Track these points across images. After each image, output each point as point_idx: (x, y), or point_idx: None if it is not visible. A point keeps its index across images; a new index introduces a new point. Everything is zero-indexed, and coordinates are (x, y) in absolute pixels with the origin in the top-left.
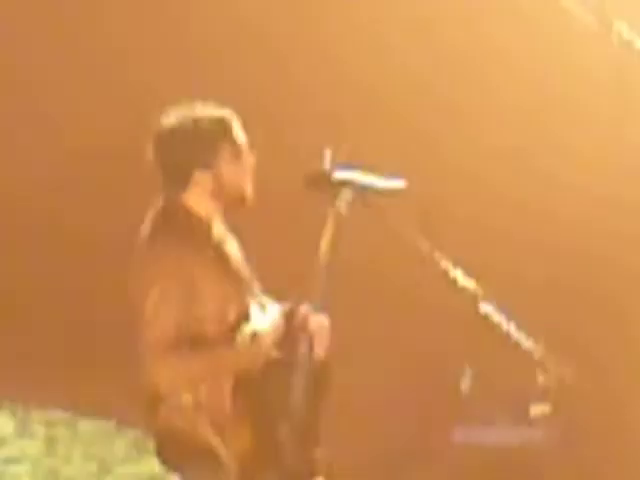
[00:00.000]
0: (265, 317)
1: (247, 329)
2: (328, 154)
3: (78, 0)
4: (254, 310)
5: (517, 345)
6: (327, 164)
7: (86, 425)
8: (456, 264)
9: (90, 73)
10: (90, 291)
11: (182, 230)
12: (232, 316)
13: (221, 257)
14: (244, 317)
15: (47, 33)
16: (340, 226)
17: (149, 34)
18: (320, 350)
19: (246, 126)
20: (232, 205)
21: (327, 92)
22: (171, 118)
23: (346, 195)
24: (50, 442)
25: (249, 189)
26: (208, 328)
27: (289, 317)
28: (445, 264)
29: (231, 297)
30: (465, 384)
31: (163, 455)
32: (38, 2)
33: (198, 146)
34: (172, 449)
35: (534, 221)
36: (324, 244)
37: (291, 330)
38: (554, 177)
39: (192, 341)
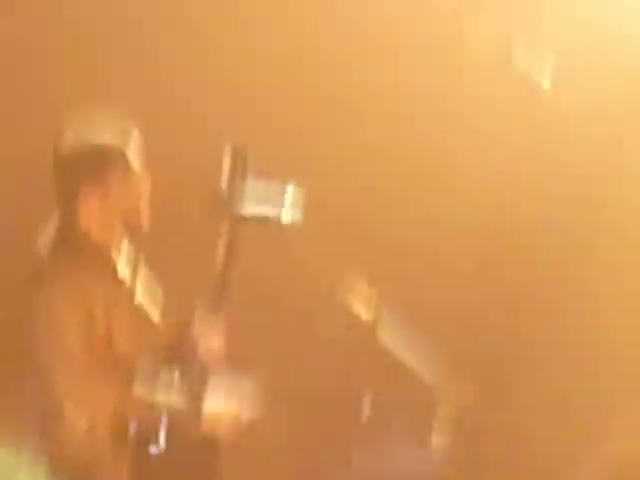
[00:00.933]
0: None
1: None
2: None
3: None
4: None
5: (416, 375)
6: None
7: None
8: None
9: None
10: None
11: (81, 258)
12: (139, 339)
13: (121, 284)
14: (150, 338)
15: None
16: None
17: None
18: (206, 350)
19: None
20: (128, 229)
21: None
22: (71, 134)
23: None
24: None
25: (143, 215)
26: (120, 350)
27: (173, 333)
28: (345, 291)
29: (135, 322)
30: (365, 411)
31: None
32: None
33: (88, 164)
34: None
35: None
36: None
37: (176, 343)
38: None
39: (115, 368)
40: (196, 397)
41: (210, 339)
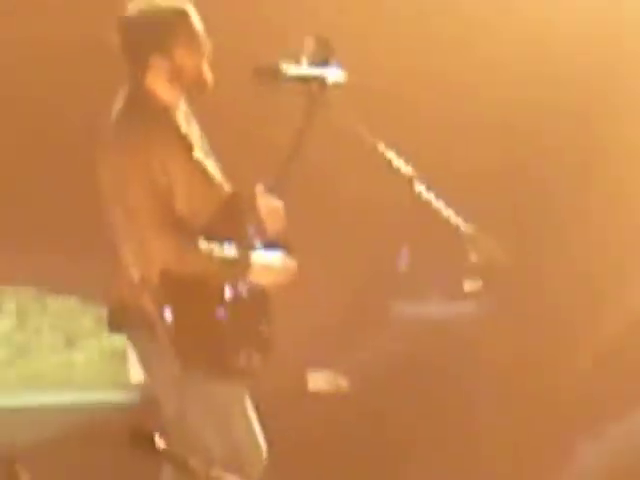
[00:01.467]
0: None
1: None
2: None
3: None
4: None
5: (450, 224)
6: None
7: (54, 302)
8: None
9: None
10: (57, 175)
11: (147, 117)
12: (199, 199)
13: (187, 142)
14: (209, 200)
15: None
16: (310, 118)
17: None
18: (272, 231)
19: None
20: (192, 90)
21: None
22: (134, 7)
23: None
24: (21, 317)
25: (206, 74)
26: (186, 214)
27: (233, 200)
28: (382, 148)
29: (201, 184)
30: (402, 262)
31: (112, 324)
32: None
33: (154, 31)
34: (119, 318)
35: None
36: (296, 133)
37: (235, 212)
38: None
39: (176, 227)
40: (246, 252)
41: (274, 220)
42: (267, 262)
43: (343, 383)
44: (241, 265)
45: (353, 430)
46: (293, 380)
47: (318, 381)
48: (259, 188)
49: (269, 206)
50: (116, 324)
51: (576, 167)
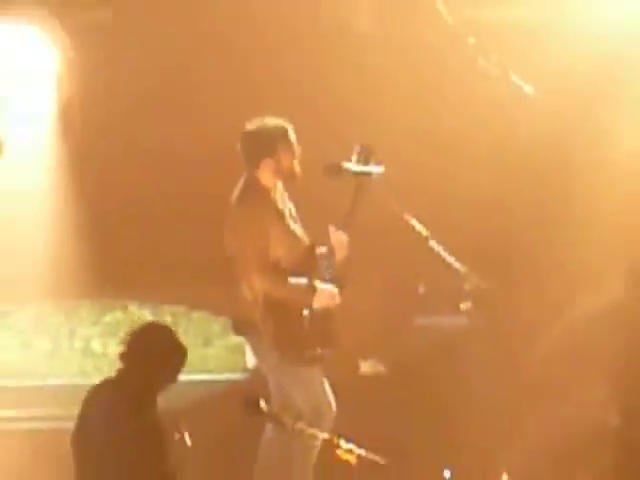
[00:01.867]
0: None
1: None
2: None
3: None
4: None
5: (451, 266)
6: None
7: (196, 315)
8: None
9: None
10: (202, 232)
11: (255, 198)
12: (292, 254)
13: (281, 213)
14: (295, 249)
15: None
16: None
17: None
18: (340, 256)
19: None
20: (287, 179)
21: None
22: (250, 125)
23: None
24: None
25: (297, 169)
26: (280, 259)
27: (310, 249)
28: (407, 216)
29: (290, 240)
30: (421, 289)
31: (235, 330)
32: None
33: (265, 143)
34: (239, 326)
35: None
36: (350, 204)
37: (312, 256)
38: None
39: (273, 269)
40: (314, 284)
41: (341, 249)
42: (323, 291)
43: (381, 368)
44: (310, 293)
45: (386, 396)
46: (350, 365)
47: (365, 366)
48: (331, 227)
49: (339, 239)
50: (237, 330)
51: (545, 222)
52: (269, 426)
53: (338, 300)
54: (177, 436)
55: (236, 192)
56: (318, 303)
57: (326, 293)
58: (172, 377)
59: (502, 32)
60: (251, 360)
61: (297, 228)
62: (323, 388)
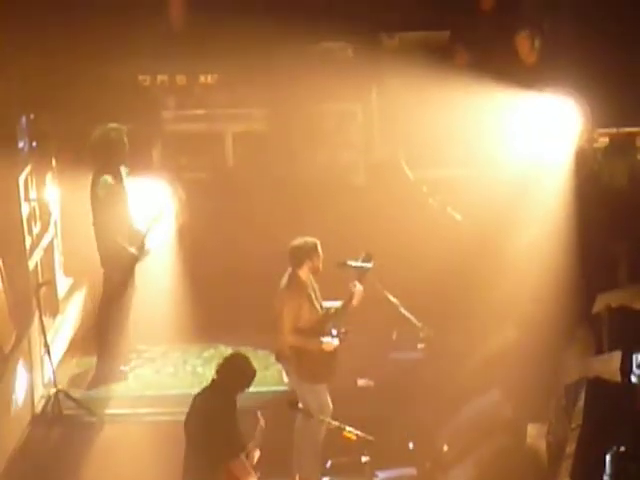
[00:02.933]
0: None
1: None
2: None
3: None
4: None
5: (412, 321)
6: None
7: (260, 352)
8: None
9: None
10: (263, 300)
11: (301, 286)
12: (313, 318)
13: (310, 297)
14: (320, 322)
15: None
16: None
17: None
18: (356, 302)
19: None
20: (315, 273)
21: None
22: (295, 242)
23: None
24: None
25: (320, 267)
26: (305, 325)
27: (327, 315)
28: (388, 294)
29: (316, 314)
30: (394, 335)
31: (277, 359)
32: None
33: (305, 252)
34: (279, 357)
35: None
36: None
37: (327, 320)
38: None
39: (298, 329)
40: (320, 340)
41: (357, 296)
42: (326, 342)
43: (371, 383)
44: (318, 343)
45: (373, 400)
46: (351, 381)
47: (361, 382)
48: (354, 282)
49: (359, 289)
50: (278, 360)
51: (468, 295)
52: (299, 417)
53: (335, 346)
54: (257, 419)
55: (284, 281)
56: (324, 348)
57: (327, 343)
58: (246, 387)
59: (444, 183)
60: (285, 378)
61: (318, 303)
62: (326, 396)
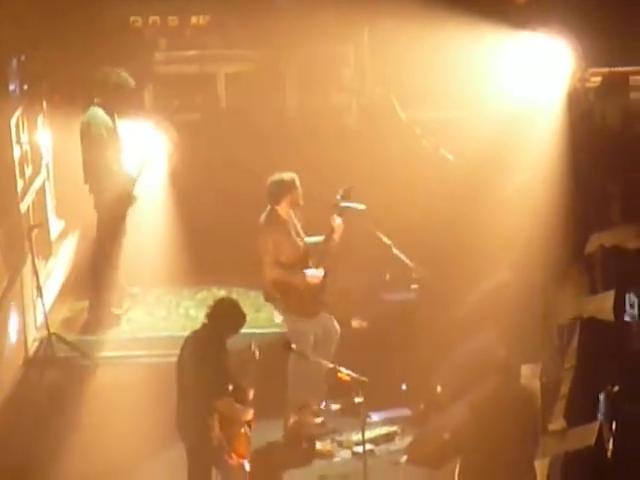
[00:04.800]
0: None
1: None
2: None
3: None
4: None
5: (405, 262)
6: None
7: (253, 293)
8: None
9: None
10: (250, 241)
11: (273, 220)
12: (292, 253)
13: (289, 231)
14: (298, 252)
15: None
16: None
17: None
18: (337, 237)
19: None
20: (295, 209)
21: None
22: (273, 177)
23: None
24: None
25: (301, 202)
26: (287, 260)
27: (307, 251)
28: (382, 235)
29: (298, 249)
30: (387, 276)
31: (266, 300)
32: None
33: (283, 187)
34: (267, 298)
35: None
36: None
37: (309, 255)
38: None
39: (279, 264)
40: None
41: (337, 230)
42: (311, 275)
43: (364, 324)
44: (302, 276)
45: (367, 340)
46: (345, 322)
47: (355, 322)
48: (334, 216)
49: (339, 224)
50: (267, 299)
51: (462, 234)
52: (292, 357)
53: (321, 278)
54: (252, 351)
55: (263, 217)
56: (310, 281)
57: (312, 276)
58: (236, 330)
59: (437, 124)
60: (277, 317)
61: (299, 240)
62: (331, 322)
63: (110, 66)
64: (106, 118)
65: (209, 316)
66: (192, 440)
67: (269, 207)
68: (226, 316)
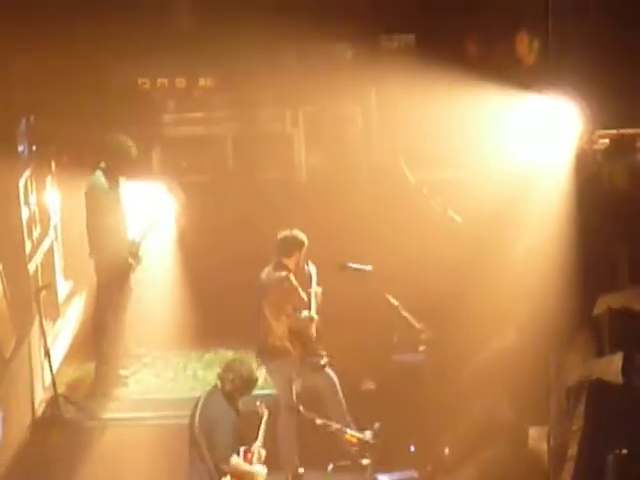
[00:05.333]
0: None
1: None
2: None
3: None
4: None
5: (413, 324)
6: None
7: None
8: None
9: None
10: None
11: (284, 268)
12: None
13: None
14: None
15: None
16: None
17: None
18: (319, 301)
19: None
20: (298, 268)
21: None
22: (287, 233)
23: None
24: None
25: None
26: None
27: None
28: (390, 297)
29: (301, 297)
30: (395, 338)
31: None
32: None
33: (293, 244)
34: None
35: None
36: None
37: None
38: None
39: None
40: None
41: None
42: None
43: (372, 385)
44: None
45: (375, 401)
46: (355, 383)
47: (364, 384)
48: (317, 289)
49: (319, 294)
50: (259, 356)
51: (468, 297)
52: (283, 416)
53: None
54: (260, 411)
55: (269, 270)
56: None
57: (310, 317)
58: (249, 391)
59: (445, 185)
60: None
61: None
62: (326, 374)
63: (118, 128)
64: (109, 184)
65: (222, 378)
66: None
67: (275, 261)
68: (239, 377)
